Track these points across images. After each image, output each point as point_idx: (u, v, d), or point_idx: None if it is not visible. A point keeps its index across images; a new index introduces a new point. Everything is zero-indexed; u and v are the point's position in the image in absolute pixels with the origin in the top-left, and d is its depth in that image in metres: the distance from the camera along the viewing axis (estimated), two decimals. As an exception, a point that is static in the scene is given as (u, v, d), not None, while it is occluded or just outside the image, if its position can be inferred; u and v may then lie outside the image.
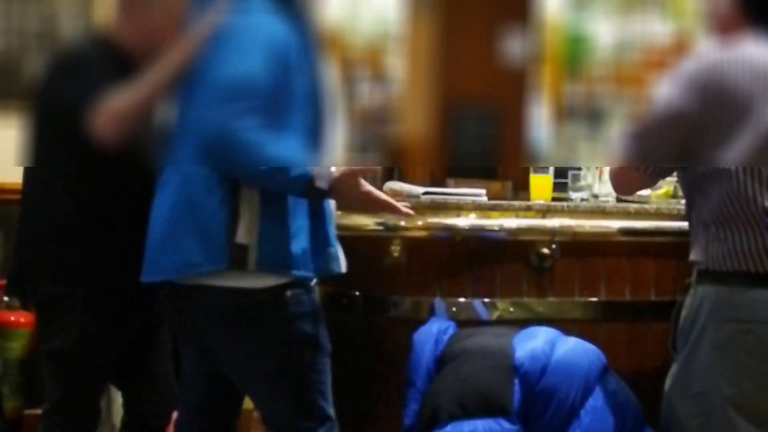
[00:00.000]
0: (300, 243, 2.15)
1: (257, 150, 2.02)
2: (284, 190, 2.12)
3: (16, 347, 3.52)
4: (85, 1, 4.09)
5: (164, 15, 2.40)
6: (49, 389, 2.51)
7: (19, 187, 3.74)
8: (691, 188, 2.18)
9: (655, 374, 2.35)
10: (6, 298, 3.57)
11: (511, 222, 2.74)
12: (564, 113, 4.55)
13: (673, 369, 2.19)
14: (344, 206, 2.35)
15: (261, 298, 2.14)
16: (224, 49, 2.08)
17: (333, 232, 2.24)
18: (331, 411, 2.25)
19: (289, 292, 2.16)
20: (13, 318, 3.53)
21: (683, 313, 2.18)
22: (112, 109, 2.26)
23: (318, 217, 2.20)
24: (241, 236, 2.11)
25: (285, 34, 2.12)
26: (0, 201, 3.72)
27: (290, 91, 2.11)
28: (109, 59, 2.38)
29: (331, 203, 2.25)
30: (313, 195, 2.12)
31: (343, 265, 2.27)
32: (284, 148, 2.06)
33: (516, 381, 2.37)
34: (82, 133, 2.27)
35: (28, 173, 2.54)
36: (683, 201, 2.32)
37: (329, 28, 4.06)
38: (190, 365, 2.34)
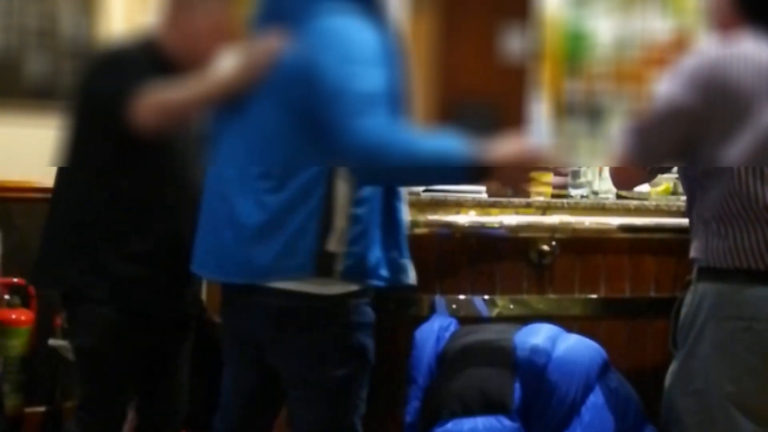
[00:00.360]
0: (375, 252, 2.15)
1: (413, 148, 1.99)
2: (446, 179, 2.12)
3: (17, 345, 3.53)
4: (86, 0, 4.10)
5: (210, 24, 2.41)
6: (79, 386, 2.55)
7: (19, 185, 3.76)
8: (691, 185, 2.18)
9: (655, 371, 2.36)
10: (7, 296, 3.58)
11: (511, 219, 2.74)
12: (564, 110, 4.55)
13: (674, 366, 2.19)
14: (507, 183, 2.29)
15: (323, 303, 2.14)
16: (338, 61, 2.02)
17: (405, 244, 2.24)
18: (360, 429, 2.26)
19: (352, 301, 2.16)
20: (14, 316, 3.54)
21: (683, 310, 2.18)
22: (160, 99, 2.27)
23: (393, 228, 2.20)
24: (332, 244, 2.10)
25: (379, 37, 2.09)
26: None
27: (395, 90, 2.09)
28: (152, 61, 2.39)
29: (405, 214, 2.25)
30: (478, 177, 2.09)
31: (412, 277, 2.26)
32: (432, 139, 2.02)
33: (517, 378, 2.37)
34: (119, 121, 2.27)
35: (64, 173, 2.53)
36: (683, 198, 2.32)
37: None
38: (234, 371, 2.33)
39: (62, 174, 2.52)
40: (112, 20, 4.05)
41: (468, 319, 2.63)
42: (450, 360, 2.48)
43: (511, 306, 2.70)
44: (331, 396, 2.21)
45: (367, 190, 2.14)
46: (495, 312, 2.69)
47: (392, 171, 2.01)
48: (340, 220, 2.10)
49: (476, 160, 1.99)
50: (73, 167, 2.46)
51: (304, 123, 2.07)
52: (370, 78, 2.01)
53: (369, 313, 2.21)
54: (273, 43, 2.12)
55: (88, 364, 2.49)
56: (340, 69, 2.01)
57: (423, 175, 2.08)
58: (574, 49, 4.57)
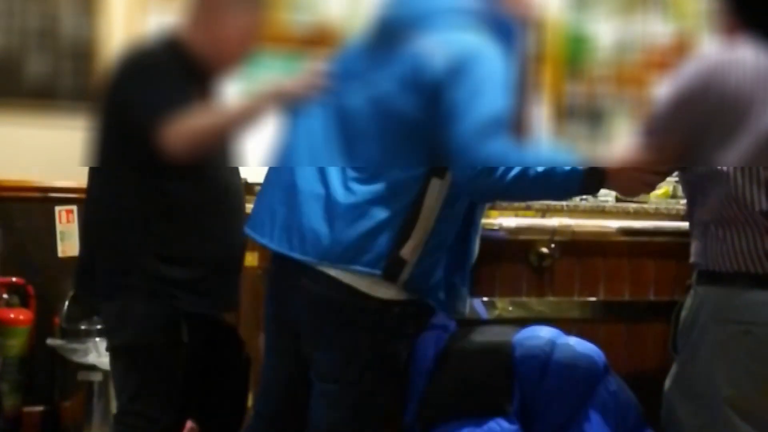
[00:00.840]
0: (439, 273, 2.16)
1: (531, 167, 2.00)
2: (560, 192, 2.11)
3: (16, 345, 3.54)
4: (87, 0, 4.11)
5: (239, 28, 2.41)
6: (119, 389, 2.50)
7: (18, 184, 3.77)
8: (691, 189, 2.18)
9: (654, 375, 2.35)
10: (6, 296, 3.59)
11: (510, 221, 2.73)
12: (564, 113, 4.55)
13: (673, 370, 2.19)
14: (622, 192, 2.29)
15: (372, 304, 2.13)
16: (470, 86, 2.03)
17: (468, 274, 2.25)
18: None
19: (397, 309, 2.16)
20: (12, 315, 3.55)
21: (683, 313, 2.18)
22: (188, 129, 2.27)
23: (461, 255, 2.21)
24: (406, 252, 2.10)
25: (505, 59, 2.10)
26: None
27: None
28: (181, 64, 2.39)
29: (476, 247, 2.26)
30: (593, 188, 2.10)
31: (467, 307, 2.28)
32: (545, 153, 2.05)
33: (516, 381, 2.37)
34: (151, 141, 2.26)
35: (92, 171, 2.52)
36: (682, 201, 2.32)
37: (328, 25, 4.07)
38: (272, 357, 2.33)
39: (96, 176, 2.49)
40: (113, 21, 4.05)
41: (468, 321, 2.63)
42: (449, 362, 2.47)
43: (511, 308, 2.70)
44: (355, 397, 2.20)
45: (452, 210, 2.14)
46: (494, 314, 2.69)
47: (510, 187, 2.02)
48: (421, 230, 2.10)
49: (592, 171, 2.03)
50: (110, 169, 2.44)
51: (404, 129, 2.09)
52: (496, 101, 2.01)
53: (411, 326, 2.22)
54: (317, 80, 2.17)
55: (130, 363, 2.46)
56: (470, 90, 2.01)
57: (539, 189, 2.09)
58: (575, 52, 4.57)
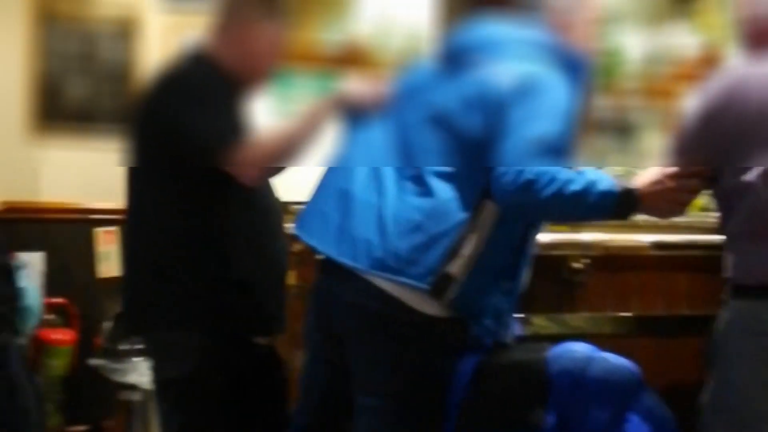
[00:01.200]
0: (486, 298, 2.17)
1: (566, 187, 2.02)
2: (595, 211, 2.11)
3: (59, 365, 3.57)
4: (124, 23, 4.16)
5: (268, 43, 2.44)
6: (166, 423, 2.45)
7: (60, 206, 3.82)
8: (722, 202, 2.20)
9: (688, 390, 2.35)
10: (49, 316, 3.63)
11: (543, 236, 2.74)
12: (594, 127, 4.55)
13: (709, 384, 2.20)
14: (657, 214, 2.27)
15: (417, 319, 2.13)
16: (530, 108, 2.07)
17: (515, 302, 2.26)
18: None
19: (443, 325, 2.15)
20: (55, 336, 3.58)
21: (717, 327, 2.19)
22: (261, 154, 2.27)
23: (509, 281, 2.22)
24: (454, 269, 2.10)
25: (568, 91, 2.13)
26: (40, 220, 3.81)
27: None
28: (217, 79, 2.39)
29: (525, 278, 2.27)
30: (626, 209, 2.11)
31: (510, 337, 2.29)
32: (585, 176, 2.06)
33: (550, 397, 2.38)
34: (208, 167, 2.26)
35: (134, 195, 2.46)
36: (715, 214, 2.33)
37: (359, 44, 4.11)
38: (310, 365, 2.33)
39: (138, 199, 2.44)
40: (150, 44, 4.11)
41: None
42: (485, 377, 2.48)
43: (546, 324, 2.70)
44: (397, 411, 2.19)
45: (504, 233, 2.15)
46: (530, 330, 2.70)
47: (546, 204, 2.04)
48: (471, 249, 2.11)
49: (627, 192, 2.06)
50: (145, 198, 2.42)
51: (463, 147, 2.12)
52: (550, 125, 2.04)
53: (455, 342, 2.21)
54: (381, 91, 2.21)
55: (179, 397, 2.39)
56: (530, 111, 2.05)
57: (575, 208, 2.08)
58: (603, 65, 4.57)
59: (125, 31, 4.10)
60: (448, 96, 2.16)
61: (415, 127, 2.19)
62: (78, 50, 4.09)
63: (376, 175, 2.18)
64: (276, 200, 2.55)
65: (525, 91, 2.07)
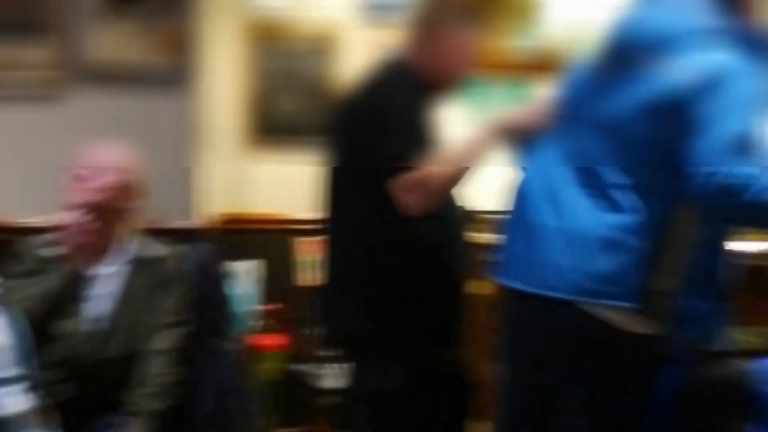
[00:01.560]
0: (692, 306, 2.09)
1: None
2: None
3: (271, 369, 3.71)
4: (327, 40, 4.32)
5: (463, 49, 2.50)
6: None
7: (274, 217, 3.99)
8: None
9: None
10: (266, 322, 3.79)
11: (749, 245, 2.58)
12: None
13: None
14: None
15: (625, 338, 2.08)
16: (719, 104, 1.97)
17: (722, 307, 2.17)
18: None
19: (651, 343, 2.10)
20: (268, 341, 3.73)
21: None
22: (420, 184, 2.30)
23: (712, 286, 2.14)
24: (659, 283, 2.05)
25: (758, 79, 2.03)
26: (258, 231, 4.00)
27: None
28: (414, 91, 2.44)
29: (726, 278, 2.17)
30: None
31: (720, 343, 2.21)
32: None
33: (751, 417, 2.24)
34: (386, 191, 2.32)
35: (335, 208, 2.54)
36: None
37: (552, 50, 4.03)
38: (511, 394, 2.31)
39: (335, 218, 2.52)
40: (351, 59, 4.23)
41: (707, 352, 2.51)
42: (687, 395, 2.38)
43: (751, 339, 2.56)
44: (604, 428, 2.16)
45: (701, 237, 2.06)
46: (735, 345, 2.55)
47: (745, 208, 1.94)
48: (672, 260, 2.04)
49: None
50: (346, 214, 2.48)
51: (645, 154, 2.05)
52: (743, 120, 1.95)
53: (660, 359, 2.14)
54: (548, 109, 2.18)
55: (380, 410, 2.44)
56: (720, 106, 1.95)
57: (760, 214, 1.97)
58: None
59: (328, 47, 4.26)
60: (620, 102, 2.07)
61: (591, 140, 2.10)
62: (286, 68, 4.28)
63: (552, 198, 2.12)
64: (459, 208, 2.56)
65: (711, 85, 1.95)
